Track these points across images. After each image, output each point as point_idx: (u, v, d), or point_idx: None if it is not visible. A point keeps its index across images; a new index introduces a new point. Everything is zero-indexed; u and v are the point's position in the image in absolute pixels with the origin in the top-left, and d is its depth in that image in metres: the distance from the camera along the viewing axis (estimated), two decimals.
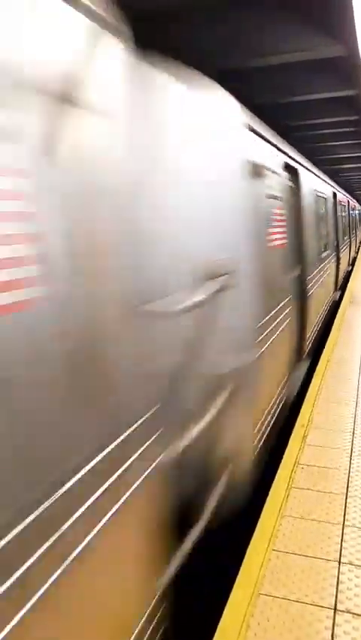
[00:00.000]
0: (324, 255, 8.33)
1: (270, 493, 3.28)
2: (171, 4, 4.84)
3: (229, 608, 2.32)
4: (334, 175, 20.25)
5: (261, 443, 3.51)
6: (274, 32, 5.50)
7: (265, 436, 3.65)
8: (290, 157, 5.55)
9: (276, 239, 4.18)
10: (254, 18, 5.40)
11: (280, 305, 4.28)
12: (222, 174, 2.97)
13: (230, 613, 2.30)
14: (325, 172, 14.21)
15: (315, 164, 11.25)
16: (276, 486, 3.35)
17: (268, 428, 3.84)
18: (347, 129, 10.68)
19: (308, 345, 6.37)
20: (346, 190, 25.44)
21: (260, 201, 3.75)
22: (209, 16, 5.32)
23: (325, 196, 9.24)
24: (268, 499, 3.20)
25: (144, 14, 2.10)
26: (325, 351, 6.53)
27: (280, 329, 4.23)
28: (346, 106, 8.83)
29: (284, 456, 3.76)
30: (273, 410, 4.00)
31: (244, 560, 2.64)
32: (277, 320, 4.12)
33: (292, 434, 4.14)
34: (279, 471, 3.54)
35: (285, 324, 4.47)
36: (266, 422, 3.74)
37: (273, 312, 3.95)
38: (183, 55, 2.53)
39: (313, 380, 5.43)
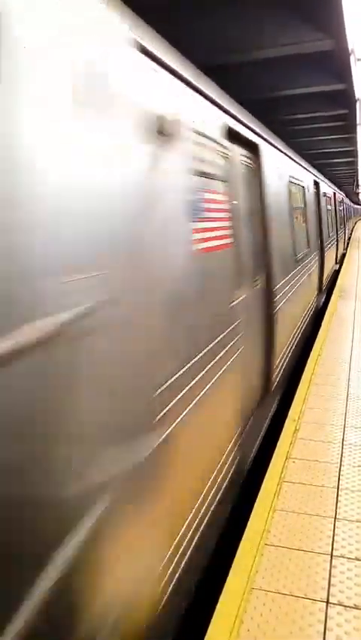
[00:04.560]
0: (300, 256, 6.71)
1: (262, 487, 3.29)
2: None
3: (221, 603, 2.33)
4: (323, 169, 20.30)
5: None
6: (261, 26, 5.48)
7: None
8: (249, 127, 4.09)
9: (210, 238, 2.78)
10: (241, 12, 5.38)
11: (223, 342, 2.93)
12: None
13: (223, 608, 2.30)
14: (314, 166, 14.19)
15: (305, 158, 11.23)
16: (268, 480, 3.36)
17: None
18: (336, 123, 10.70)
19: (277, 376, 4.71)
20: (335, 184, 25.52)
21: (177, 179, 2.35)
22: (195, 10, 5.29)
23: (303, 184, 7.73)
24: (260, 493, 3.21)
25: (130, 9, 2.08)
26: (315, 346, 6.56)
27: (222, 372, 2.90)
28: (334, 100, 8.84)
29: (276, 450, 3.77)
30: None
31: (237, 555, 2.65)
32: (213, 366, 2.73)
33: (284, 428, 4.15)
34: (270, 465, 3.55)
35: (231, 361, 3.09)
36: None
37: (199, 359, 2.52)
38: None
39: (303, 375, 5.45)
